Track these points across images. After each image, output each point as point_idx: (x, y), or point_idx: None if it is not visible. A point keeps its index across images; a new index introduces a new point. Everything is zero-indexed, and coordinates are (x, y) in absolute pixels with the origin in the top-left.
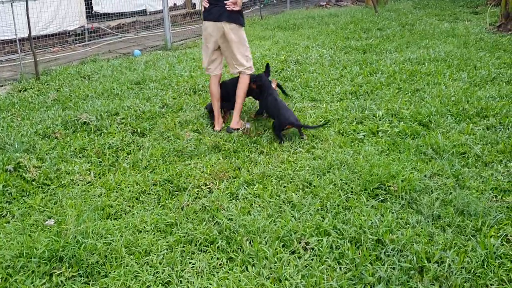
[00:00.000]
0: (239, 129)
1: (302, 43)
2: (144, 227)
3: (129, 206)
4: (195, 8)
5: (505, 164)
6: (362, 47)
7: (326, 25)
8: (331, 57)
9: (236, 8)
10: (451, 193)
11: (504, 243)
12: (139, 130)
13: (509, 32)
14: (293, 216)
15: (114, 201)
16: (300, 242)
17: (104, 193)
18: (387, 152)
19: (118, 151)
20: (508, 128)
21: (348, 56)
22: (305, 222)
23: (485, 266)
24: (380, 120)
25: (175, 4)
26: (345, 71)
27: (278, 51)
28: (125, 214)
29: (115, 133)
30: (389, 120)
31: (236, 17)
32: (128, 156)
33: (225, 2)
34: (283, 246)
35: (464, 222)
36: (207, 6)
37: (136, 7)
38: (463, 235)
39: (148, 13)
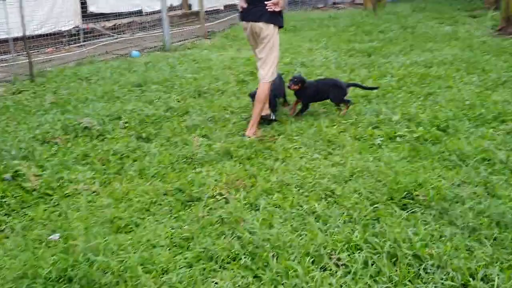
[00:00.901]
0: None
1: (305, 45)
2: (159, 242)
3: (140, 218)
4: (191, 9)
5: None
6: (366, 50)
7: (327, 27)
8: (336, 60)
9: (278, 9)
10: (481, 202)
11: None
12: (144, 135)
13: (510, 36)
14: (319, 229)
15: (123, 212)
16: (331, 258)
17: (111, 204)
18: (408, 158)
19: (123, 157)
20: None
21: (354, 59)
22: (334, 235)
23: None
24: (396, 125)
25: (171, 5)
26: (354, 74)
27: (282, 53)
28: (136, 227)
29: (119, 139)
30: (406, 125)
31: (276, 18)
32: (134, 163)
33: (265, 2)
34: (312, 262)
35: (502, 234)
36: (245, 7)
37: (132, 7)
38: (504, 249)
39: (145, 14)
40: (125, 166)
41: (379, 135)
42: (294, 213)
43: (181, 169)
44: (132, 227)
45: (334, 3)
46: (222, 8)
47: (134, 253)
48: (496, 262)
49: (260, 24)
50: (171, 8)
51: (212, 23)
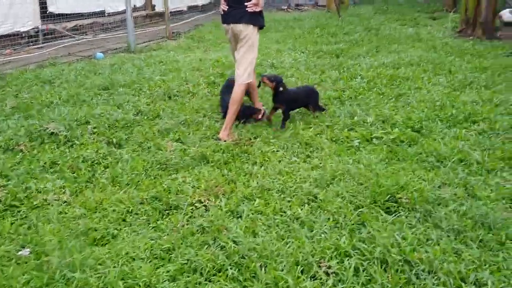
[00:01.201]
0: (225, 141)
1: (273, 46)
2: (138, 254)
3: (116, 229)
4: (155, 10)
5: (508, 171)
6: (334, 52)
7: (292, 29)
8: (305, 61)
9: (258, 9)
10: (463, 204)
11: None
12: (114, 140)
13: (470, 37)
14: (306, 236)
15: (98, 223)
16: (320, 266)
17: (84, 215)
18: (387, 160)
19: (94, 164)
20: (499, 134)
21: (323, 61)
22: (321, 242)
23: None
24: (371, 127)
25: (135, 5)
26: (324, 75)
27: None
28: (113, 238)
29: (88, 145)
30: (381, 126)
31: (257, 19)
32: (106, 170)
33: (246, 4)
34: (302, 271)
35: (487, 236)
36: (226, 9)
37: (94, 8)
38: (490, 251)
39: (107, 14)
40: (97, 174)
41: (355, 137)
42: (278, 220)
43: (156, 175)
44: (109, 239)
45: (297, 5)
46: (185, 9)
47: (114, 267)
48: (485, 265)
49: (241, 26)
50: (135, 9)
51: (176, 24)
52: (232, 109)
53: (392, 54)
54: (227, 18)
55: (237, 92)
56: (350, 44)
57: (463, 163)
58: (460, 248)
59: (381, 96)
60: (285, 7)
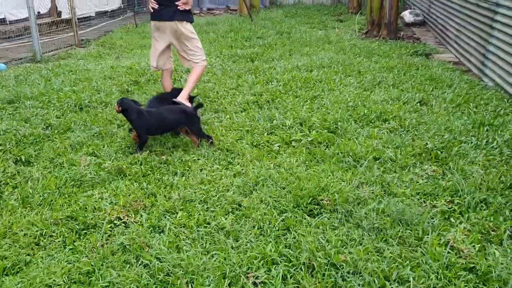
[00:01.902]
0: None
1: None
2: (55, 281)
3: (29, 255)
4: (60, 17)
5: (420, 167)
6: (249, 56)
7: (206, 33)
8: (221, 66)
9: (188, 7)
10: (381, 202)
11: (450, 251)
12: (23, 158)
13: (376, 38)
14: (232, 247)
15: (7, 250)
16: (248, 277)
17: None
18: (307, 163)
19: (1, 185)
20: (409, 131)
21: (238, 65)
22: (247, 252)
23: (442, 280)
24: (290, 130)
25: (39, 12)
26: (241, 80)
27: None
28: (26, 266)
29: None
30: (299, 129)
31: (187, 15)
32: (15, 190)
33: (176, 3)
34: (229, 284)
35: (405, 232)
36: (156, 7)
37: None
38: (409, 247)
39: (8, 22)
40: (5, 195)
41: (275, 141)
42: (202, 232)
43: (70, 193)
44: (21, 266)
45: (209, 9)
46: (93, 14)
47: None
48: (405, 262)
49: (175, 23)
50: (39, 16)
51: (84, 31)
52: (194, 84)
53: (305, 57)
54: (159, 16)
55: (201, 71)
56: (264, 47)
57: (378, 161)
58: (382, 247)
59: (297, 98)
60: (198, 11)
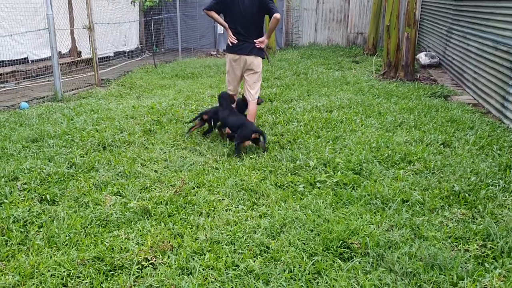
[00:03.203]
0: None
1: (207, 92)
2: None
3: None
4: (81, 57)
5: (448, 210)
6: (268, 96)
7: (224, 74)
8: None
9: (263, 46)
10: (412, 246)
11: None
12: (48, 196)
13: (393, 79)
14: None
15: None
16: None
17: (19, 282)
18: (333, 204)
19: (26, 224)
20: (434, 173)
21: (258, 105)
22: None
23: None
24: (314, 170)
25: (60, 52)
26: (262, 120)
27: (185, 101)
28: None
29: (19, 203)
30: (323, 170)
31: (261, 52)
32: (41, 230)
33: (255, 40)
34: None
35: (439, 277)
36: (235, 42)
37: (16, 55)
38: None
39: (30, 62)
40: (30, 235)
41: (299, 182)
42: (231, 275)
43: (96, 233)
44: None
45: (225, 50)
46: (112, 54)
47: None
48: None
49: (252, 57)
50: (60, 56)
51: (104, 71)
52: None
53: (323, 98)
54: (238, 49)
55: (254, 108)
56: (282, 88)
57: (406, 204)
58: None
59: (319, 139)
60: (215, 52)
